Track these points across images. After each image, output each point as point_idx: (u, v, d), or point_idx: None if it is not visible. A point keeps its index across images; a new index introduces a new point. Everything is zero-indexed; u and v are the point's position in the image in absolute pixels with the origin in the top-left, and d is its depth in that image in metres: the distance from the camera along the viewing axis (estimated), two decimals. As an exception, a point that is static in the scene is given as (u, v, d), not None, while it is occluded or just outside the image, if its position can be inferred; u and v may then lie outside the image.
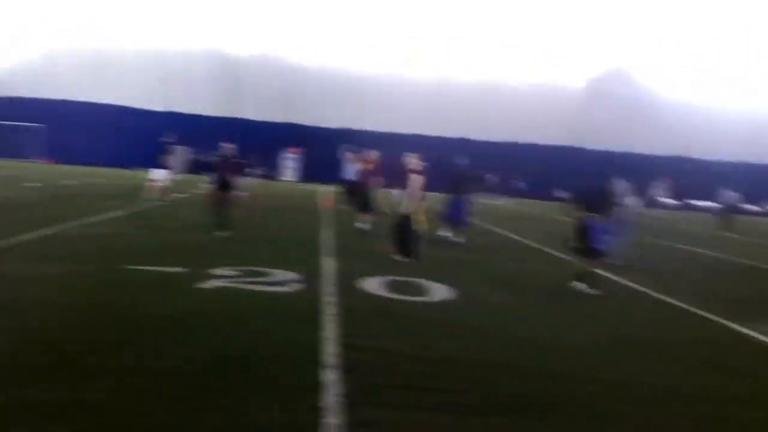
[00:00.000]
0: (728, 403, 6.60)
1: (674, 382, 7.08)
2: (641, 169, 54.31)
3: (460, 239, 17.78)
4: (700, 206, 56.88)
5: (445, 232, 17.93)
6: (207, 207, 16.69)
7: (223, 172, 16.15)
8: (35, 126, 56.51)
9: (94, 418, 5.03)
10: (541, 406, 6.07)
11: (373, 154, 19.94)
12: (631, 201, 17.00)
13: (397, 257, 14.25)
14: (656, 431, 5.77)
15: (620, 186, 17.04)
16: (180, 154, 56.18)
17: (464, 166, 18.78)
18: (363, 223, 18.88)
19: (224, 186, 16.11)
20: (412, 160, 14.91)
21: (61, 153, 56.20)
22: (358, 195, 19.41)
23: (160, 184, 24.48)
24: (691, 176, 58.65)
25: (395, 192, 15.69)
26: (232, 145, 16.49)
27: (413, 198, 14.51)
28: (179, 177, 26.82)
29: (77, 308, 8.16)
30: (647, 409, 6.15)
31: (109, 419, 5.01)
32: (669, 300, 12.12)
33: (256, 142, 56.61)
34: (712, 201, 46.62)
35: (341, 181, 28.71)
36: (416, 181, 14.51)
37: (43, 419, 4.93)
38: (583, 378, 6.96)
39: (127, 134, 56.69)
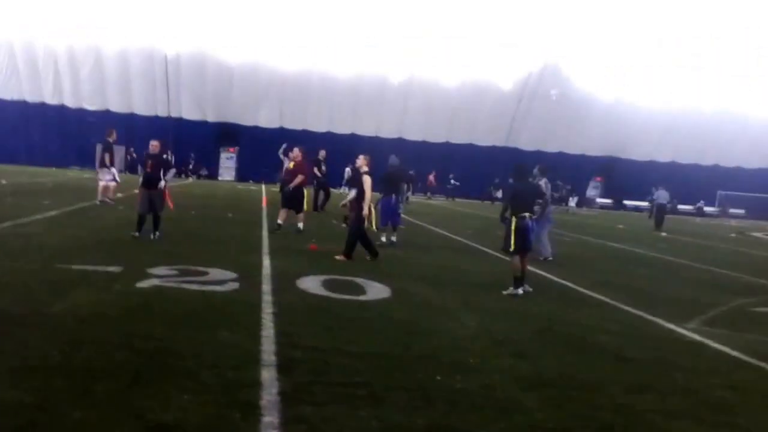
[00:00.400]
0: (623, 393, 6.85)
1: (574, 372, 7.34)
2: (575, 170, 55.53)
3: (393, 238, 17.93)
4: (632, 206, 58.17)
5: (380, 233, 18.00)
6: (135, 206, 15.72)
7: (150, 170, 15.46)
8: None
9: (14, 417, 5.00)
10: (446, 397, 6.23)
11: (297, 152, 19.48)
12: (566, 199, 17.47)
13: (340, 259, 14.38)
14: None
15: (548, 186, 17.58)
16: (115, 154, 55.55)
17: (396, 166, 18.94)
18: (298, 222, 18.85)
19: (150, 184, 15.33)
20: (362, 162, 15.22)
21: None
22: (286, 194, 19.04)
23: (108, 183, 24.08)
24: (624, 176, 59.91)
25: (346, 192, 15.92)
26: (156, 142, 15.99)
27: (367, 199, 14.86)
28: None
29: (7, 308, 8.06)
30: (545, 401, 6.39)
31: (34, 418, 5.01)
32: (594, 295, 12.50)
33: (193, 141, 56.46)
34: (646, 200, 47.65)
35: (279, 181, 28.87)
36: (368, 182, 14.85)
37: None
38: (488, 369, 7.20)
39: (62, 133, 55.85)
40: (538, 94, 59.22)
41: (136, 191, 15.59)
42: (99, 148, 24.59)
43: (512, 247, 11.93)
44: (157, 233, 15.11)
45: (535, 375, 7.15)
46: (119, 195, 24.62)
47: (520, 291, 11.82)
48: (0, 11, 53.34)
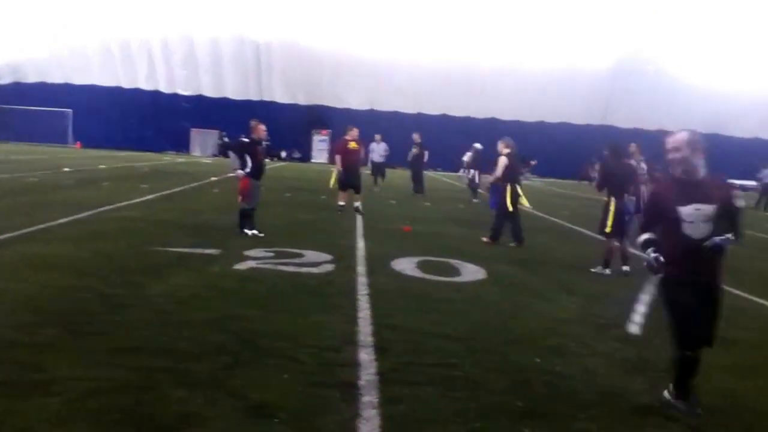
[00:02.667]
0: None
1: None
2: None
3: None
4: (738, 185, 56.03)
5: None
6: (242, 199, 13.78)
7: (259, 158, 13.74)
8: (64, 111, 57.22)
9: (120, 396, 5.10)
10: (546, 380, 6.13)
11: (355, 132, 19.42)
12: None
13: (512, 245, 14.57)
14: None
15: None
16: (210, 137, 56.81)
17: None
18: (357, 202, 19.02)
19: (260, 173, 13.82)
20: (502, 145, 15.06)
21: (89, 137, 56.84)
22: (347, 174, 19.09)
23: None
24: (727, 154, 57.99)
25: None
26: (263, 125, 14.25)
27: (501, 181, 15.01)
28: (210, 160, 27.05)
29: (98, 291, 8.22)
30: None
31: (138, 397, 5.09)
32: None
33: (285, 124, 57.14)
34: (754, 179, 45.90)
35: (370, 163, 29.10)
36: (502, 162, 14.86)
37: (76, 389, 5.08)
38: (590, 353, 7.05)
39: (156, 119, 57.24)
40: (635, 71, 57.76)
41: (235, 176, 14.08)
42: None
43: (608, 229, 11.70)
44: (258, 232, 13.45)
45: (639, 359, 6.96)
46: (213, 178, 25.08)
47: (608, 271, 11.74)
48: (96, 4, 54.83)
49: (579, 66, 57.47)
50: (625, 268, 11.79)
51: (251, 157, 13.53)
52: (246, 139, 13.90)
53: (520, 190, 15.08)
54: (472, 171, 26.24)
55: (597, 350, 7.19)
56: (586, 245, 15.38)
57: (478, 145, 25.95)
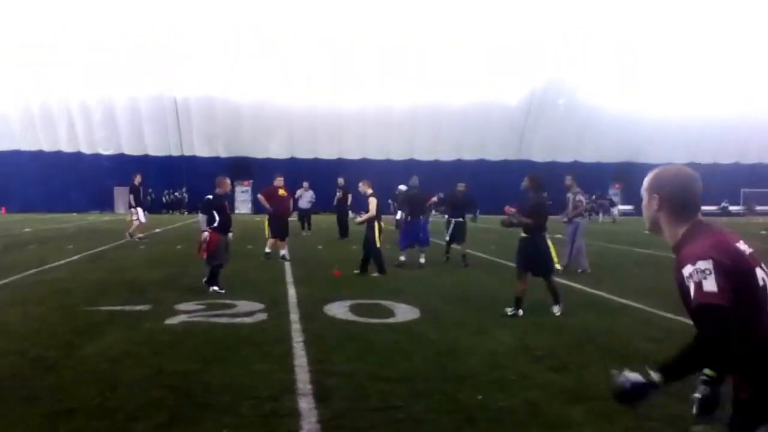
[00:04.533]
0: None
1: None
2: (592, 177, 55.28)
3: (422, 260, 17.94)
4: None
5: (401, 255, 17.99)
6: (205, 254, 13.23)
7: (226, 212, 13.57)
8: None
9: None
10: (490, 416, 6.12)
11: (280, 180, 19.79)
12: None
13: (375, 275, 15.31)
14: None
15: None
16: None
17: (416, 187, 19.08)
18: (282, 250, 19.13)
19: (228, 228, 13.55)
20: (364, 185, 16.11)
21: (13, 202, 55.83)
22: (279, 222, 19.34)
23: (140, 222, 25.47)
24: (641, 181, 59.35)
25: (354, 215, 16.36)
26: (228, 180, 14.24)
27: (374, 219, 15.73)
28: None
29: (28, 354, 8.02)
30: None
31: None
32: (632, 304, 12.31)
33: (205, 177, 56.70)
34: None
35: (297, 210, 29.33)
36: (373, 203, 15.71)
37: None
38: (530, 385, 7.06)
39: (77, 179, 56.48)
40: (546, 105, 59.29)
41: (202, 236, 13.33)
42: (133, 189, 25.71)
43: (557, 264, 12.02)
44: (220, 290, 13.04)
45: (579, 388, 6.99)
46: (139, 235, 25.05)
47: (521, 312, 11.01)
48: (16, 69, 54.12)
49: (492, 101, 58.73)
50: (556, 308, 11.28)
51: (218, 212, 13.26)
52: (211, 197, 13.46)
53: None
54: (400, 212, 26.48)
55: (536, 382, 7.20)
56: (513, 278, 15.53)
57: (402, 187, 26.15)
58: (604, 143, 59.92)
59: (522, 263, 11.28)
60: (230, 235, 13.60)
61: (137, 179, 26.20)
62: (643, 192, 3.34)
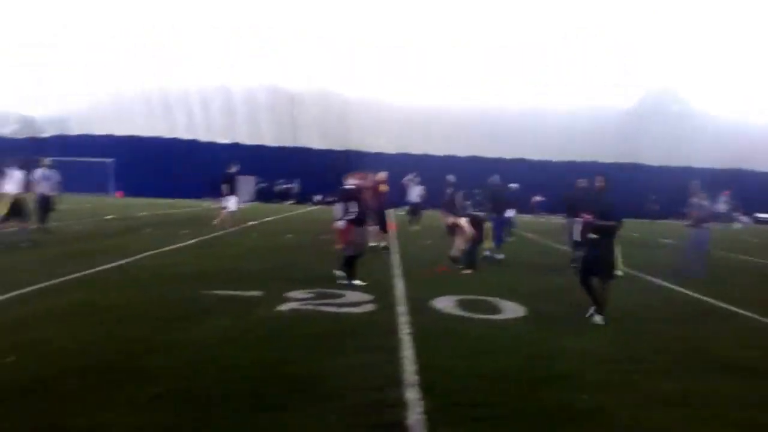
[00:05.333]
0: None
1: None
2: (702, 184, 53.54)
3: (500, 255, 18.16)
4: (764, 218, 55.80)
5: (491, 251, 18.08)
6: (344, 246, 13.47)
7: (364, 203, 13.91)
8: (106, 161, 58.36)
9: None
10: (592, 417, 6.13)
11: (380, 176, 20.26)
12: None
13: (467, 272, 15.10)
14: None
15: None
16: (246, 184, 57.68)
17: (497, 186, 19.17)
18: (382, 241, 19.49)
19: (364, 220, 13.91)
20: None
21: (131, 187, 57.85)
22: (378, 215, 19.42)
23: (230, 211, 25.32)
24: (751, 189, 57.51)
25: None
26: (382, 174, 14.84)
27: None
28: (246, 205, 27.69)
29: (139, 336, 8.33)
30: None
31: None
32: (732, 308, 11.96)
33: (318, 169, 57.87)
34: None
35: (406, 204, 29.71)
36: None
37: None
38: (632, 388, 7.00)
39: (193, 166, 58.11)
40: (660, 110, 58.02)
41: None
42: (228, 178, 25.81)
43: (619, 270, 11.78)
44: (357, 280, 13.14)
45: (679, 394, 6.94)
46: (251, 223, 25.46)
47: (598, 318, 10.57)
48: (137, 55, 56.19)
49: (604, 105, 57.82)
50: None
51: (357, 204, 13.45)
52: (348, 187, 13.70)
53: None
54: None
55: (637, 386, 7.17)
56: (622, 283, 15.28)
57: (514, 185, 26.15)
58: (714, 149, 58.14)
59: (587, 266, 10.76)
60: (368, 227, 13.60)
61: (233, 168, 26.23)
62: None
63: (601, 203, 10.95)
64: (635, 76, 57.24)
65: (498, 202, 18.37)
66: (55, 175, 20.77)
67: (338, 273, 13.18)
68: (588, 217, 10.69)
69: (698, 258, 16.65)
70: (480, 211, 16.59)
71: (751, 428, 6.05)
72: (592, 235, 10.72)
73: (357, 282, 12.93)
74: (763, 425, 6.18)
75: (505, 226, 20.10)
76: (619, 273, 12.18)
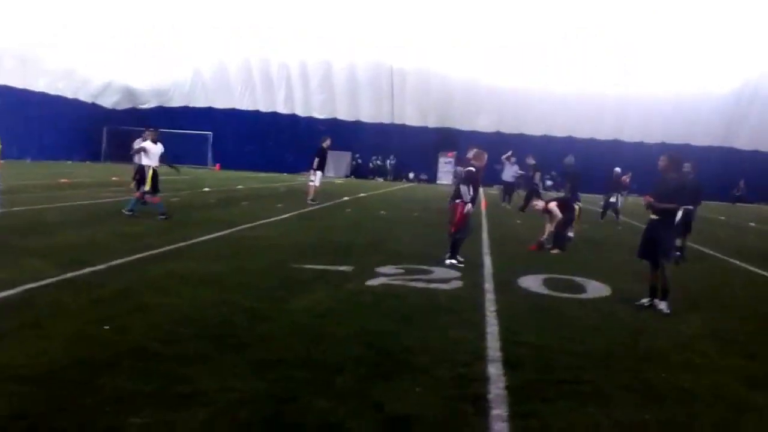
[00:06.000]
0: None
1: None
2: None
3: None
4: None
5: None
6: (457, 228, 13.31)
7: (478, 186, 13.55)
8: (205, 134, 59.74)
9: (263, 406, 5.35)
10: (675, 396, 6.17)
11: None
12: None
13: (555, 252, 15.12)
14: None
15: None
16: (341, 159, 58.27)
17: (572, 166, 19.08)
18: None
19: (475, 202, 13.54)
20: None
21: (228, 159, 59.04)
22: None
23: (316, 185, 25.78)
24: None
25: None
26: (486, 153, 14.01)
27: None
28: (341, 180, 28.02)
29: (239, 305, 8.58)
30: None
31: (280, 407, 5.35)
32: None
33: (412, 146, 58.14)
34: None
35: (501, 182, 29.78)
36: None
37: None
38: (716, 368, 7.06)
39: (291, 140, 58.91)
40: (759, 95, 56.23)
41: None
42: (320, 153, 26.20)
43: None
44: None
45: (764, 375, 6.97)
46: (345, 198, 25.77)
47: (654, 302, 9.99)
48: (239, 30, 57.05)
49: (701, 90, 56.52)
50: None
51: (473, 186, 13.27)
52: (473, 169, 13.45)
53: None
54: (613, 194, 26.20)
55: (723, 366, 7.21)
56: (708, 262, 15.12)
57: (617, 169, 25.92)
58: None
59: (641, 249, 10.25)
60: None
61: (326, 142, 26.47)
62: None
63: (664, 185, 10.22)
64: (734, 62, 55.63)
65: (575, 182, 18.23)
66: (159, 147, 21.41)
67: (450, 261, 12.84)
68: (649, 198, 10.10)
69: None
70: (557, 191, 16.61)
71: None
72: (653, 217, 10.16)
73: (461, 260, 12.88)
74: None
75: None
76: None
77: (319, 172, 26.00)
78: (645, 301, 10.00)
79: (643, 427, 5.41)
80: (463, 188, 13.24)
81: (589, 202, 29.60)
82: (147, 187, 17.69)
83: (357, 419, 5.18)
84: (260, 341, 7.07)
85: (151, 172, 17.70)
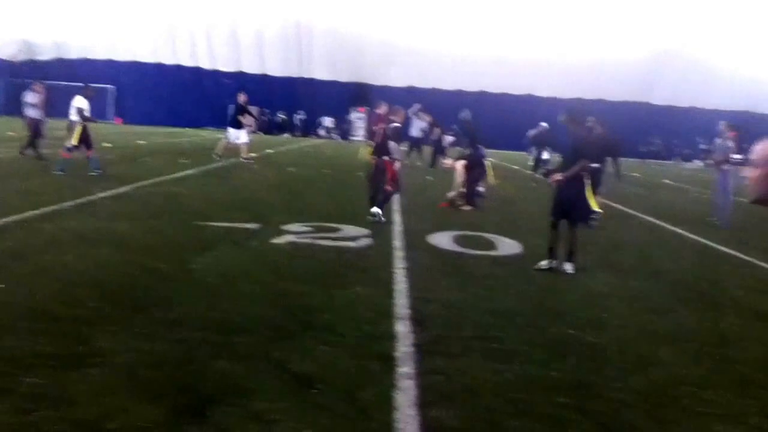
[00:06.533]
0: None
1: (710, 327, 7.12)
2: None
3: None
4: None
5: None
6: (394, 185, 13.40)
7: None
8: (105, 87, 57.85)
9: (162, 367, 5.19)
10: (580, 351, 6.21)
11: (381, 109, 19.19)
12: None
13: (467, 209, 15.26)
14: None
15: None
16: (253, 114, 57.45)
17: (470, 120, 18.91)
18: None
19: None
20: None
21: (131, 114, 57.51)
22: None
23: (235, 143, 25.08)
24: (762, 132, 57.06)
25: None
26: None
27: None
28: (251, 137, 27.55)
29: (140, 264, 8.30)
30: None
31: (180, 368, 5.19)
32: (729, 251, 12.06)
33: (323, 101, 57.45)
34: None
35: (407, 139, 29.38)
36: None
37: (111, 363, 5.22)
38: (622, 325, 7.12)
39: (195, 95, 57.69)
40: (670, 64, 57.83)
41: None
42: (237, 108, 25.58)
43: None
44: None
45: (671, 330, 7.06)
46: (252, 155, 25.37)
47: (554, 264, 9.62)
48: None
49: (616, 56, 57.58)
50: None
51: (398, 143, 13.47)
52: (399, 125, 13.61)
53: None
54: (534, 149, 26.76)
55: (630, 322, 7.28)
56: (623, 222, 15.36)
57: (544, 124, 26.21)
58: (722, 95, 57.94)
59: (555, 209, 9.71)
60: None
61: (242, 98, 25.76)
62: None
63: (568, 142, 10.00)
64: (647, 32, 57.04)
65: (473, 136, 18.17)
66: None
67: (375, 210, 12.71)
68: (557, 178, 9.70)
69: (725, 205, 15.90)
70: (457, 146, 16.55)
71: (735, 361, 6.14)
72: (559, 176, 9.70)
73: (380, 212, 12.73)
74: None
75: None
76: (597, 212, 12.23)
77: (242, 131, 25.28)
78: (544, 263, 9.53)
79: (549, 381, 5.40)
80: (393, 145, 13.24)
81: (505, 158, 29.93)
82: (74, 142, 17.56)
83: (258, 379, 5.06)
84: (161, 301, 6.85)
85: (81, 128, 17.62)
